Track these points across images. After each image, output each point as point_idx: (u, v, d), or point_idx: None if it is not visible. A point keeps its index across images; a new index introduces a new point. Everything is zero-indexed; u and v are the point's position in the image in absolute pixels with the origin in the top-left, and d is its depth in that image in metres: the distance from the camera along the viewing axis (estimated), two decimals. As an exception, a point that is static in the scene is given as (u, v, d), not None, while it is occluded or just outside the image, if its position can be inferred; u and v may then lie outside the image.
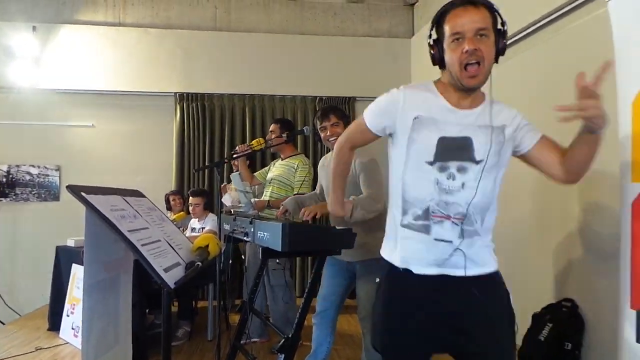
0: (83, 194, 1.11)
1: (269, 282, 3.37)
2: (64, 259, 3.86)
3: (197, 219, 4.03)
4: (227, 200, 3.82)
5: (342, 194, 1.66)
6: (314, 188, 2.97)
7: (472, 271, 1.35)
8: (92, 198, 1.13)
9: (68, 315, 3.59)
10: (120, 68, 5.07)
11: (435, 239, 1.33)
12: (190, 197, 4.07)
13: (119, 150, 5.13)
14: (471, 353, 1.36)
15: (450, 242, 1.33)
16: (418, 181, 1.35)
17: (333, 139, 2.50)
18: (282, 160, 3.47)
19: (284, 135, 3.31)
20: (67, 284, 3.69)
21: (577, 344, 2.76)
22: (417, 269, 1.35)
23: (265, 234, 2.13)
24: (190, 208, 4.05)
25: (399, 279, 1.39)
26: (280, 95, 5.28)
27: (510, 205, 3.58)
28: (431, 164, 1.33)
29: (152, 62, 5.12)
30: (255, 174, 3.74)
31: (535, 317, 3.01)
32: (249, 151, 3.28)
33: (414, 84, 1.46)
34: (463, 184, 1.32)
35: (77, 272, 3.64)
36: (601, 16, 2.60)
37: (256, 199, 3.29)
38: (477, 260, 1.36)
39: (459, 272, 1.34)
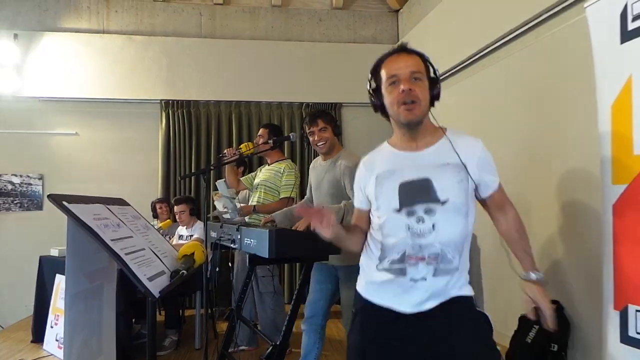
0: (65, 203, 1.09)
1: (257, 289, 3.36)
2: (48, 269, 3.80)
3: (184, 227, 4.00)
4: (220, 205, 3.79)
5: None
6: (302, 193, 2.97)
7: (435, 302, 1.38)
8: (74, 207, 1.11)
9: (52, 327, 3.53)
10: (105, 75, 5.03)
11: (411, 279, 1.35)
12: (175, 206, 4.05)
13: (104, 158, 5.07)
14: None
15: (425, 279, 1.35)
16: (392, 230, 1.38)
17: (321, 143, 2.51)
18: (268, 165, 3.47)
19: (270, 141, 3.31)
20: (51, 295, 3.63)
21: (563, 346, 2.78)
22: (393, 306, 1.38)
23: (252, 240, 2.13)
24: (177, 216, 4.03)
25: (374, 313, 1.43)
26: (267, 102, 5.28)
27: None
28: (398, 211, 1.36)
29: (137, 70, 5.08)
30: (241, 179, 3.73)
31: (521, 319, 3.03)
32: (237, 156, 3.26)
33: (374, 150, 1.55)
34: (433, 226, 1.34)
35: (61, 283, 3.58)
36: (579, 22, 2.65)
37: (242, 205, 3.27)
38: (452, 292, 1.39)
39: (432, 305, 1.36)
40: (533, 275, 1.51)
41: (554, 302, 2.93)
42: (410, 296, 1.36)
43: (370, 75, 1.48)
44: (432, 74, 1.42)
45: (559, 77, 2.95)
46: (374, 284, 1.43)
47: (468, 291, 1.44)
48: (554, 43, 3.00)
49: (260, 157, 3.96)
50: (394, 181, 1.39)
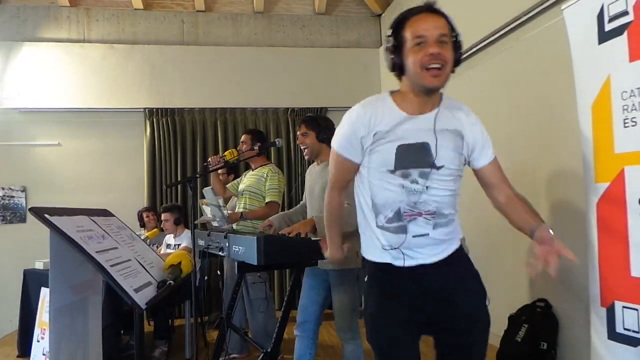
0: (47, 215, 1.08)
1: (248, 296, 3.33)
2: (33, 282, 3.73)
3: (172, 235, 3.96)
4: (208, 213, 3.75)
5: (340, 239, 1.68)
6: (289, 198, 2.96)
7: (444, 254, 1.43)
8: (56, 220, 1.09)
9: (38, 341, 3.45)
10: (87, 85, 4.97)
11: (414, 236, 1.38)
12: (163, 214, 4.02)
13: (88, 168, 5.01)
14: (457, 321, 1.44)
15: (427, 234, 1.38)
16: (384, 187, 1.38)
17: (302, 147, 2.56)
18: (252, 170, 3.47)
19: (256, 147, 3.30)
20: (37, 308, 3.55)
21: (552, 344, 2.81)
22: (400, 263, 1.40)
23: (240, 248, 2.11)
24: (162, 225, 4.01)
25: (388, 273, 1.43)
26: (252, 108, 5.27)
27: (482, 208, 3.65)
28: (392, 172, 1.37)
29: (120, 78, 5.04)
30: (228, 185, 3.71)
31: (511, 318, 3.06)
32: (222, 163, 3.24)
33: (368, 98, 1.48)
34: (427, 187, 1.37)
35: (47, 296, 3.50)
36: (557, 24, 2.70)
37: (230, 212, 3.25)
38: (448, 242, 1.45)
39: (434, 259, 1.41)
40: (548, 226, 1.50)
41: (542, 300, 2.96)
42: (416, 253, 1.39)
43: (390, 32, 1.40)
44: (456, 38, 1.38)
45: (540, 78, 3.00)
46: (379, 244, 1.43)
47: (460, 237, 1.53)
48: (533, 45, 3.05)
49: (247, 163, 3.94)
50: (392, 142, 1.37)
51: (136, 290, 1.16)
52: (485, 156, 1.48)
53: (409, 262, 1.39)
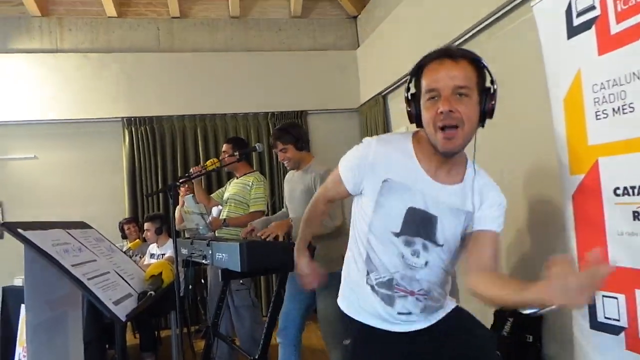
0: (20, 230, 1.05)
1: (233, 304, 3.30)
2: (12, 300, 3.62)
3: (155, 245, 3.92)
4: (190, 222, 3.68)
5: (306, 243, 1.64)
6: (273, 204, 2.95)
7: (424, 323, 1.37)
8: (30, 234, 1.06)
9: (19, 360, 3.37)
10: (61, 95, 4.88)
11: (399, 313, 1.30)
12: (146, 223, 3.99)
13: (66, 181, 4.91)
14: None
15: (411, 313, 1.31)
16: (383, 249, 1.26)
17: (285, 162, 2.60)
18: (237, 179, 3.44)
19: (236, 154, 3.28)
20: (17, 327, 3.47)
21: (537, 336, 2.85)
22: (387, 327, 1.33)
23: (223, 255, 2.10)
24: (147, 234, 3.97)
25: (374, 336, 1.33)
26: (232, 114, 5.24)
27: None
28: (397, 235, 1.23)
29: (95, 88, 4.95)
30: (212, 195, 3.68)
31: (496, 313, 3.09)
32: (204, 172, 3.22)
33: (390, 136, 1.40)
34: (426, 263, 1.26)
35: (27, 313, 3.43)
36: (528, 21, 2.75)
37: (212, 218, 3.23)
38: (436, 316, 1.39)
39: (422, 325, 1.36)
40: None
41: (525, 293, 3.00)
42: (398, 327, 1.33)
43: (410, 78, 1.25)
44: (487, 84, 1.18)
45: (513, 74, 3.04)
46: (364, 304, 1.34)
47: (451, 305, 1.43)
48: (506, 41, 3.09)
49: (230, 172, 3.93)
50: (403, 201, 1.22)
51: (115, 303, 1.13)
52: (484, 223, 1.27)
53: (399, 327, 1.32)
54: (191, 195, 3.16)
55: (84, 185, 4.93)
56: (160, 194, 4.94)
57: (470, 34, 3.40)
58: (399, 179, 1.21)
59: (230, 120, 5.25)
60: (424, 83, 1.17)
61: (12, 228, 1.04)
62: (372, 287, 1.30)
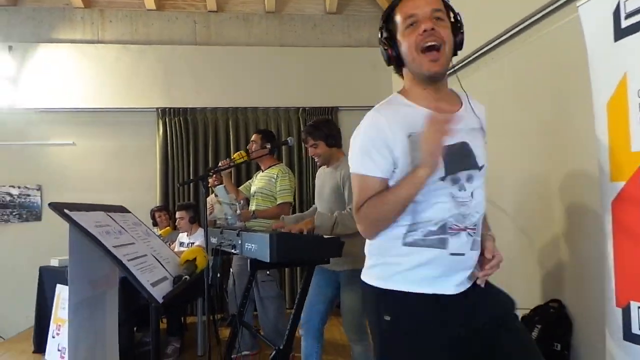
0: (66, 211, 1.10)
1: (258, 294, 3.35)
2: (48, 279, 3.79)
3: (185, 234, 4.01)
4: (220, 212, 3.74)
5: None
6: (300, 197, 2.97)
7: (470, 283, 1.28)
8: (75, 215, 1.11)
9: (54, 337, 3.51)
10: (100, 85, 5.03)
11: (451, 254, 1.20)
12: (178, 212, 4.08)
13: (101, 167, 5.07)
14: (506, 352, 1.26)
15: (463, 254, 1.21)
16: (432, 200, 1.19)
17: (315, 158, 2.62)
18: (262, 172, 3.49)
19: (267, 146, 3.32)
20: (52, 305, 3.61)
21: (566, 345, 2.78)
22: (434, 289, 1.20)
23: (253, 245, 2.13)
24: (177, 223, 4.07)
25: (416, 305, 1.21)
26: (263, 108, 5.29)
27: (494, 207, 3.63)
28: (443, 179, 1.18)
29: (133, 78, 5.09)
30: (240, 188, 3.74)
31: (524, 319, 3.03)
32: (233, 165, 3.26)
33: (381, 103, 1.31)
34: (472, 193, 1.22)
35: (62, 293, 3.56)
36: (572, 22, 2.67)
37: (242, 210, 3.28)
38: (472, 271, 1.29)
39: (467, 286, 1.25)
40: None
41: (556, 301, 2.93)
42: (452, 275, 1.21)
43: (381, 23, 1.28)
44: (453, 18, 1.23)
45: (554, 77, 2.97)
46: (403, 267, 1.21)
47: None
48: (547, 42, 3.02)
49: (257, 164, 3.98)
50: None
51: (153, 285, 1.17)
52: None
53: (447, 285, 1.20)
54: (222, 185, 3.22)
55: (119, 172, 5.07)
56: (192, 184, 5.03)
57: (509, 34, 3.33)
58: (418, 129, 1.17)
59: (262, 114, 5.30)
60: (400, 15, 1.21)
61: (59, 208, 1.09)
62: (414, 243, 1.20)
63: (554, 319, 2.87)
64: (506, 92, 3.49)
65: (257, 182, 3.46)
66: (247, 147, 3.55)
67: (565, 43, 2.83)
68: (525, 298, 3.20)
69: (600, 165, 1.97)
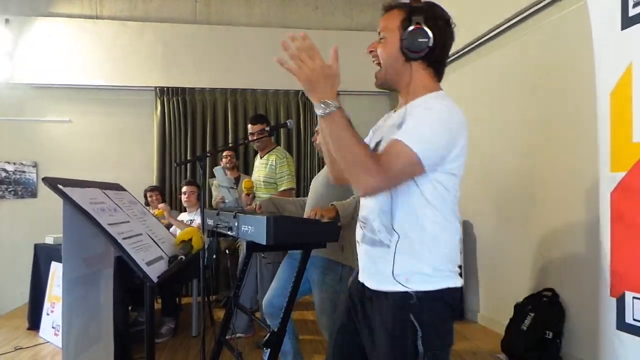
0: (60, 186, 1.08)
1: (261, 277, 3.35)
2: (43, 256, 3.78)
3: (186, 213, 4.02)
4: (217, 194, 3.73)
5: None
6: (299, 179, 2.91)
7: (368, 283, 1.25)
8: (69, 191, 1.09)
9: (48, 314, 3.52)
10: (98, 62, 4.97)
11: (356, 240, 1.33)
12: (185, 186, 4.11)
13: (98, 145, 5.03)
14: None
15: (358, 242, 1.31)
16: None
17: (316, 143, 2.54)
18: (260, 158, 3.46)
19: (266, 128, 3.29)
20: (47, 282, 3.61)
21: (558, 333, 2.81)
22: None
23: (249, 227, 2.12)
24: (184, 197, 4.10)
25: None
26: (263, 90, 5.24)
27: (488, 197, 3.63)
28: None
29: (131, 56, 5.02)
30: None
31: (517, 307, 3.06)
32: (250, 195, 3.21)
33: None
34: None
35: (57, 270, 3.56)
36: (578, 10, 2.64)
37: (248, 205, 3.29)
38: (373, 272, 1.24)
39: (363, 280, 1.28)
40: None
41: (549, 289, 2.95)
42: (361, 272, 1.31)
43: None
44: (407, 24, 1.20)
45: (557, 65, 2.94)
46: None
47: (404, 286, 1.16)
48: (552, 31, 2.98)
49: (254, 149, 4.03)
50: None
51: (148, 264, 1.16)
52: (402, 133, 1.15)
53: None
54: (220, 167, 3.19)
55: (116, 151, 5.04)
56: (189, 165, 5.01)
57: (514, 21, 3.29)
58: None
59: (261, 96, 5.25)
60: None
61: (53, 183, 1.07)
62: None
63: (546, 307, 2.89)
64: (508, 79, 3.46)
65: (258, 170, 3.44)
66: (250, 139, 3.49)
67: (569, 31, 2.80)
68: (519, 286, 3.23)
69: (601, 155, 1.96)
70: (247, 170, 4.88)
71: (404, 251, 1.16)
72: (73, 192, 1.09)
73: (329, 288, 2.35)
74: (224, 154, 4.16)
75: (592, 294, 2.58)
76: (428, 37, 1.19)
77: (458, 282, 1.20)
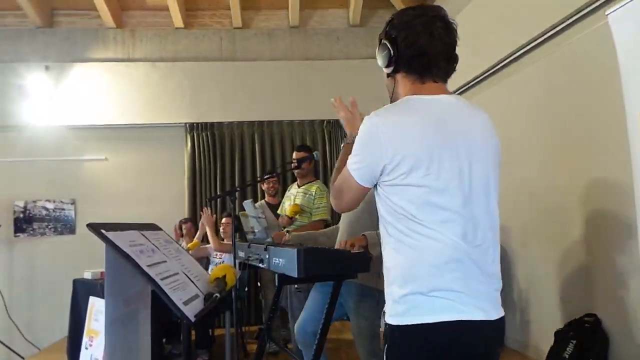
0: (103, 231, 1.14)
1: (291, 305, 3.35)
2: (82, 291, 3.88)
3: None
4: (247, 226, 3.80)
5: None
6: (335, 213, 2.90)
7: None
8: (111, 235, 1.15)
9: (87, 348, 3.57)
10: (130, 101, 5.19)
11: None
12: (224, 218, 4.21)
13: (132, 181, 5.20)
14: None
15: None
16: None
17: None
18: (299, 187, 3.53)
19: (294, 160, 3.36)
20: (85, 317, 3.70)
21: (601, 360, 2.69)
22: None
23: (280, 260, 2.14)
24: (221, 228, 4.20)
25: None
26: (289, 121, 5.34)
27: (521, 219, 3.56)
28: None
29: (161, 94, 5.23)
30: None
31: (558, 333, 2.95)
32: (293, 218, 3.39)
33: None
34: None
35: (95, 304, 3.63)
36: (600, 29, 2.63)
37: (276, 233, 3.34)
38: None
39: None
40: None
41: (591, 315, 2.84)
42: None
43: None
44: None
45: (582, 84, 2.91)
46: None
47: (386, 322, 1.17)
48: (575, 51, 2.97)
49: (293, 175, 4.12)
50: None
51: (185, 303, 1.20)
52: None
53: None
54: (250, 200, 3.26)
55: (149, 186, 5.20)
56: (219, 199, 5.10)
57: (537, 42, 3.29)
58: None
59: (287, 126, 5.36)
60: None
61: (97, 229, 1.13)
62: None
63: (589, 334, 2.78)
64: (533, 101, 3.43)
65: (293, 197, 3.50)
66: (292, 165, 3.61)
67: (592, 50, 2.78)
68: (559, 312, 3.12)
69: (635, 173, 1.92)
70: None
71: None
72: (114, 236, 1.15)
73: (366, 315, 2.33)
74: (267, 179, 4.20)
75: (637, 319, 2.48)
76: (387, 48, 1.24)
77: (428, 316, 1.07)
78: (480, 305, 1.09)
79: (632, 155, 1.93)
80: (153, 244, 1.37)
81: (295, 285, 3.21)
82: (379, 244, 2.24)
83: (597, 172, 2.82)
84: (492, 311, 1.11)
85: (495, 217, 1.18)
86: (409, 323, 1.08)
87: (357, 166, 1.20)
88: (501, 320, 1.14)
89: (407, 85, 1.25)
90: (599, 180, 2.80)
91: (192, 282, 1.38)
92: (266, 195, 4.26)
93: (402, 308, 1.10)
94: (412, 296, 1.08)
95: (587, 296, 2.94)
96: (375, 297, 2.30)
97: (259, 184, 4.02)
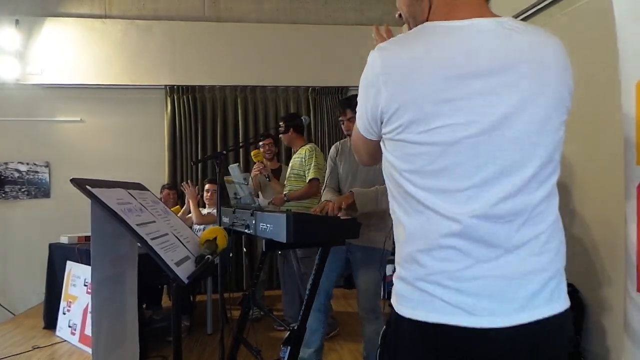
0: (88, 187, 1.07)
1: (299, 270, 3.34)
2: (58, 256, 3.79)
3: (205, 209, 4.07)
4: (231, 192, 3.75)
5: None
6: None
7: None
8: (97, 191, 1.08)
9: (64, 313, 3.54)
10: (108, 61, 4.96)
11: None
12: (208, 184, 4.16)
13: (110, 145, 5.04)
14: None
15: None
16: None
17: (348, 133, 2.52)
18: (294, 154, 3.56)
19: (281, 124, 3.31)
20: (62, 282, 3.63)
21: (577, 329, 2.77)
22: None
23: (268, 225, 2.10)
24: (206, 194, 4.16)
25: None
26: (273, 86, 5.22)
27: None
28: None
29: (141, 55, 5.02)
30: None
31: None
32: (263, 169, 3.51)
33: None
34: None
35: (72, 269, 3.57)
36: (592, 2, 2.59)
37: (274, 197, 3.38)
38: None
39: None
40: None
41: (569, 285, 2.91)
42: None
43: None
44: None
45: (581, 53, 2.89)
46: None
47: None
48: (574, 20, 2.94)
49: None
50: None
51: (177, 264, 1.15)
52: None
53: None
54: (236, 164, 3.18)
55: (127, 150, 5.05)
56: (200, 164, 5.00)
57: (537, 7, 3.23)
58: None
59: (271, 92, 5.23)
60: None
61: (81, 184, 1.06)
62: None
63: (566, 303, 2.86)
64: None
65: (291, 164, 3.53)
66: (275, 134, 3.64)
67: (591, 20, 2.75)
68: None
69: (626, 147, 1.92)
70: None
71: None
72: (101, 193, 1.08)
73: (373, 270, 2.38)
74: (262, 142, 3.94)
75: (614, 290, 2.55)
76: None
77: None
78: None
79: (623, 128, 1.93)
80: (141, 204, 1.30)
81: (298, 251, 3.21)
82: (373, 199, 2.24)
83: (589, 145, 2.84)
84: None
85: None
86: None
87: (358, 114, 1.01)
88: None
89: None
90: (590, 153, 2.82)
91: (182, 243, 1.33)
92: (263, 160, 4.15)
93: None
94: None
95: (577, 271, 3.01)
96: (380, 254, 2.33)
97: (250, 155, 3.90)
